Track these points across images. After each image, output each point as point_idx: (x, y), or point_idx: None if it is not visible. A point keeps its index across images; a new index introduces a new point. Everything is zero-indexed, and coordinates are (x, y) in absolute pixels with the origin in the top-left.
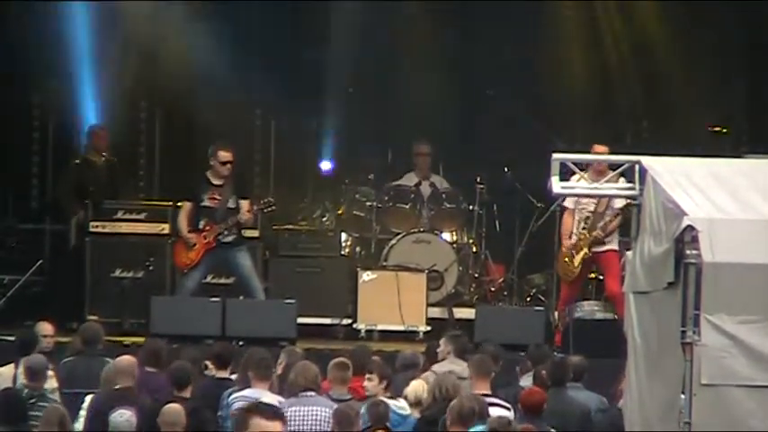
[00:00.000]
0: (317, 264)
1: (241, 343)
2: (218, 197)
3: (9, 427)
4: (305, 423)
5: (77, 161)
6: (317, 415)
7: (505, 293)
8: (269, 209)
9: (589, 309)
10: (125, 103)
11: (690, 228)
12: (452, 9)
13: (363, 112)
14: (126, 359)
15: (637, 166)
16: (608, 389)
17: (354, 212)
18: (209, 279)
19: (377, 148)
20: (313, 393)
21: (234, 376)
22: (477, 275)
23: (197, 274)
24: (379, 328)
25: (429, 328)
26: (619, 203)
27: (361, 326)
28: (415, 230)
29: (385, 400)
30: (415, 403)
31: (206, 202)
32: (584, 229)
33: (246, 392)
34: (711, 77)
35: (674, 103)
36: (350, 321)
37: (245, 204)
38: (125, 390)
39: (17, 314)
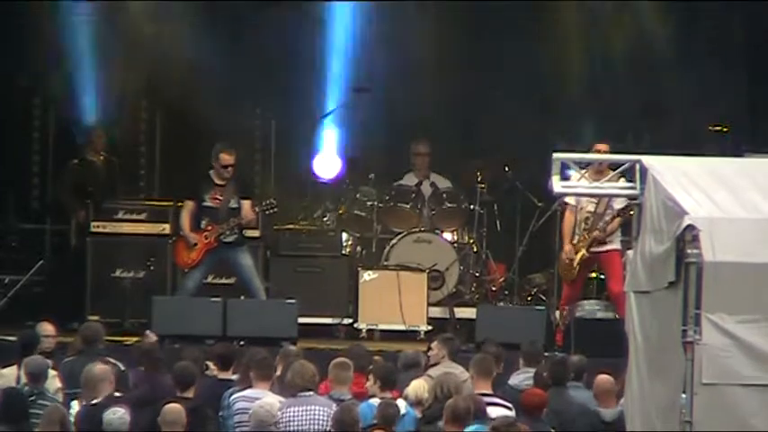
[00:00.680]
0: (318, 263)
1: (242, 343)
2: (219, 197)
3: (11, 427)
4: (303, 423)
5: (76, 161)
6: (314, 415)
7: (506, 293)
8: (271, 210)
9: (590, 308)
10: (126, 103)
11: (691, 227)
12: (453, 8)
13: (365, 111)
14: (99, 368)
15: (638, 166)
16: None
17: (355, 212)
18: (209, 279)
19: (378, 148)
20: (311, 393)
21: (235, 377)
22: (477, 275)
23: (198, 273)
24: (380, 327)
25: (430, 328)
26: (618, 204)
27: (362, 325)
28: (416, 230)
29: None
30: (416, 402)
31: (208, 202)
32: (584, 229)
33: (248, 392)
34: (712, 76)
35: (674, 103)
36: (351, 321)
37: (246, 204)
38: (108, 398)
39: (18, 314)
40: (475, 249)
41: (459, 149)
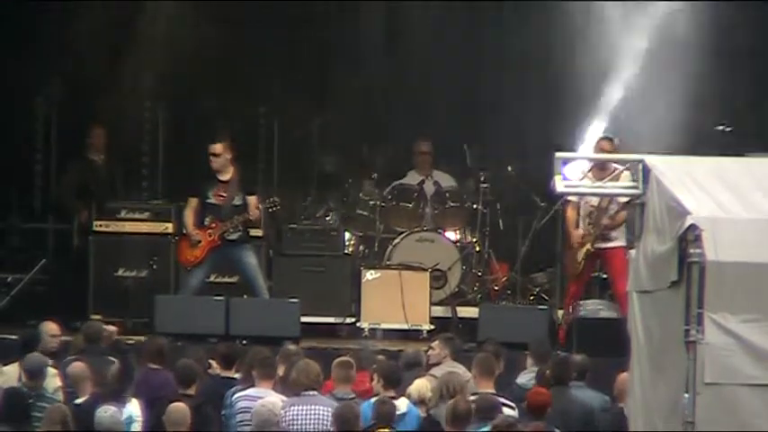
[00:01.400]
0: (321, 263)
1: (244, 342)
2: (223, 194)
3: (12, 426)
4: (306, 422)
5: (78, 161)
6: (317, 414)
7: (509, 292)
8: (273, 208)
9: (593, 307)
10: (128, 103)
11: (693, 227)
12: (456, 6)
13: (367, 110)
14: (77, 366)
15: (640, 165)
16: (611, 388)
17: (358, 211)
18: (212, 278)
19: (380, 147)
20: (314, 392)
21: (238, 375)
22: (480, 274)
23: (201, 272)
24: (383, 326)
25: (432, 327)
26: (623, 197)
27: (364, 325)
28: (419, 229)
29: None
30: (419, 402)
31: (212, 199)
32: (588, 224)
33: (250, 391)
34: (716, 76)
35: (677, 102)
36: (353, 320)
37: (252, 200)
38: (93, 396)
39: (21, 313)
40: (477, 249)
41: (461, 148)
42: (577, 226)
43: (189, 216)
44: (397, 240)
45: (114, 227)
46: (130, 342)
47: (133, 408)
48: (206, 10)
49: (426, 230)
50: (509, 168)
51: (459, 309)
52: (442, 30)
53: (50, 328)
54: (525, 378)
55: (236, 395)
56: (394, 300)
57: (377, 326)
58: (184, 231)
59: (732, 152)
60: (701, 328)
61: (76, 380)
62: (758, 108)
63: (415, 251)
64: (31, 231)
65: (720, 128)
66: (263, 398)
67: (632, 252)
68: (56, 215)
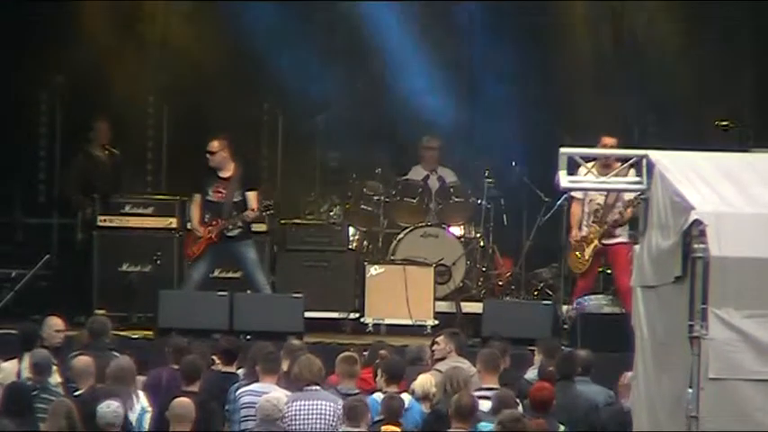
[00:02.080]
0: (325, 258)
1: (248, 337)
2: (222, 191)
3: (15, 420)
4: (309, 417)
5: (81, 156)
6: (321, 409)
7: (513, 287)
8: (268, 212)
9: (596, 303)
10: (133, 98)
11: (697, 222)
12: (461, 5)
13: (371, 105)
14: (82, 360)
15: (644, 161)
16: (615, 383)
17: (362, 206)
18: (216, 273)
19: (385, 143)
20: (317, 387)
21: (240, 371)
22: (484, 269)
23: (202, 266)
24: (387, 322)
25: (437, 323)
26: (629, 195)
27: (368, 320)
28: (423, 224)
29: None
30: (423, 397)
31: (211, 197)
32: (594, 221)
33: (254, 387)
34: (718, 72)
35: (681, 98)
36: (357, 315)
37: (252, 196)
38: (90, 390)
39: (25, 308)
40: (482, 244)
41: (466, 144)
42: (580, 225)
43: (194, 212)
44: (401, 235)
45: (118, 222)
46: (135, 337)
47: (144, 401)
48: (212, 6)
49: (431, 226)
50: (513, 164)
51: (463, 304)
52: (447, 26)
53: (54, 322)
54: (533, 373)
55: (239, 390)
56: (398, 295)
57: (381, 321)
58: (189, 226)
59: (736, 148)
60: (705, 323)
61: (80, 373)
62: (762, 104)
63: (420, 246)
64: (35, 226)
65: (724, 123)
66: (267, 393)
67: (636, 247)
68: (60, 210)
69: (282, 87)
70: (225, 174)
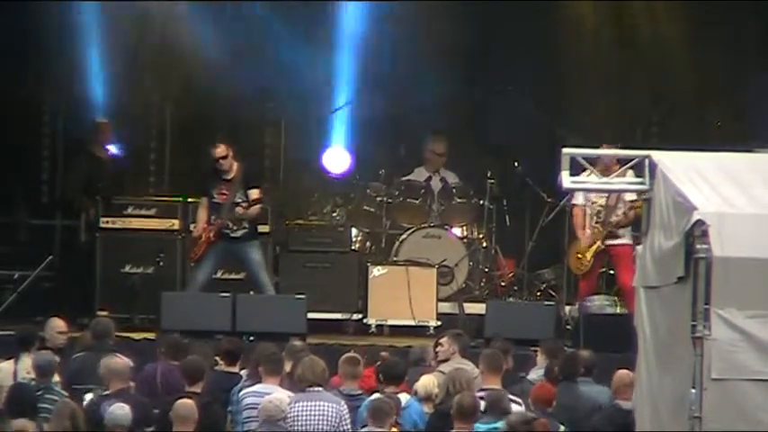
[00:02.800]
0: (328, 259)
1: (251, 338)
2: (225, 192)
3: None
4: (312, 418)
5: (84, 157)
6: (323, 410)
7: (516, 288)
8: (257, 204)
9: (599, 303)
10: (136, 99)
11: (700, 222)
12: (465, 5)
13: (374, 106)
14: (119, 361)
15: (647, 161)
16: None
17: (365, 207)
18: (219, 274)
19: (387, 143)
20: (320, 389)
21: (243, 371)
22: (487, 270)
23: (205, 267)
24: (390, 323)
25: (439, 323)
26: (630, 196)
27: (371, 321)
28: (426, 225)
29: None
30: (426, 398)
31: (215, 198)
32: (596, 223)
33: (257, 388)
34: (722, 72)
35: (684, 98)
36: (360, 316)
37: (254, 193)
38: (119, 392)
39: (27, 310)
40: (484, 245)
41: (468, 145)
42: (584, 229)
43: (200, 214)
44: (403, 236)
45: (121, 223)
46: (137, 339)
47: None
48: (216, 7)
49: (433, 227)
50: (516, 164)
51: (465, 305)
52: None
53: (57, 324)
54: (536, 374)
55: (242, 391)
56: (401, 296)
57: (383, 322)
58: (192, 228)
59: (739, 148)
60: (708, 323)
61: (113, 375)
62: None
63: (422, 247)
64: (38, 227)
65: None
66: (270, 394)
67: (639, 248)
68: (63, 211)
69: (285, 88)
70: (228, 175)
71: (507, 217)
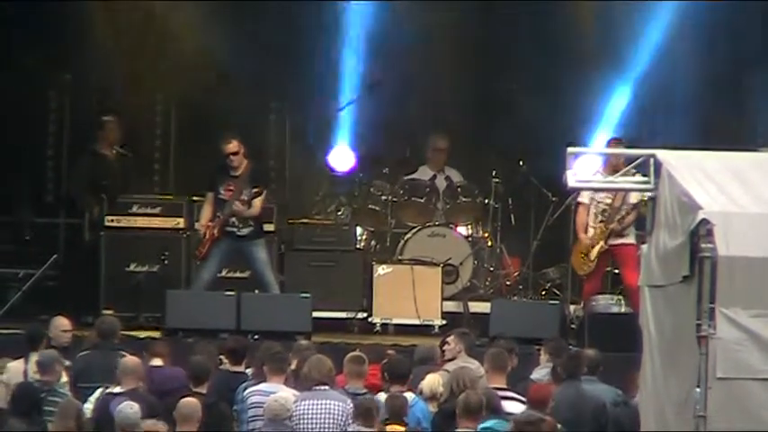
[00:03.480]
0: (332, 258)
1: (256, 337)
2: (232, 188)
3: (25, 420)
4: (317, 417)
5: (88, 155)
6: (329, 409)
7: (521, 287)
8: (256, 197)
9: (604, 303)
10: (140, 98)
11: (705, 221)
12: (471, 4)
13: (378, 106)
14: (132, 360)
15: (652, 160)
16: (623, 382)
17: (369, 206)
18: (224, 273)
19: (392, 142)
20: (326, 387)
21: (249, 370)
22: (492, 269)
23: (210, 265)
24: (395, 321)
25: (444, 322)
26: (634, 198)
27: (376, 320)
28: (431, 224)
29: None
30: (431, 397)
31: (222, 195)
32: (601, 222)
33: (262, 386)
34: (726, 71)
35: (688, 98)
36: (365, 315)
37: (255, 192)
38: (130, 390)
39: (32, 308)
40: (489, 243)
41: (473, 144)
42: (586, 228)
43: (205, 210)
44: (408, 235)
45: (126, 222)
46: (142, 337)
47: None
48: (221, 4)
49: (438, 225)
50: (521, 163)
51: (470, 304)
52: (456, 24)
53: (62, 323)
54: (540, 373)
55: (247, 390)
56: (406, 295)
57: (388, 321)
58: (196, 225)
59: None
60: (713, 322)
61: (127, 372)
62: None
63: (427, 246)
64: (42, 226)
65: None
66: (275, 392)
67: (644, 247)
68: (67, 210)
69: (291, 86)
70: (237, 172)
71: (512, 216)
